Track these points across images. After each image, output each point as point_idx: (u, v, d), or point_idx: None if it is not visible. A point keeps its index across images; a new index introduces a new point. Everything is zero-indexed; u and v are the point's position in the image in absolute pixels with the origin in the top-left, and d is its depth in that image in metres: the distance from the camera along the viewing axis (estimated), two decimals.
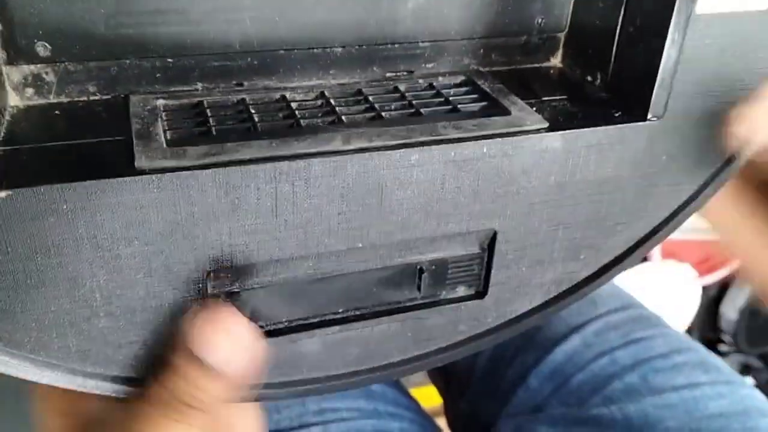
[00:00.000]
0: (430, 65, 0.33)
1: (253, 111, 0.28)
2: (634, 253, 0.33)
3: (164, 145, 0.25)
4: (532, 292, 0.33)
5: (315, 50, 0.30)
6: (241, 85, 0.30)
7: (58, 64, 0.27)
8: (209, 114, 0.28)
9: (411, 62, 0.32)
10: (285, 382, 0.30)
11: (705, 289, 1.17)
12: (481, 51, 0.33)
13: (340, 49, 0.31)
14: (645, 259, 1.08)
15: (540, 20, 0.33)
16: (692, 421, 0.45)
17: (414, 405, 0.55)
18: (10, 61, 0.27)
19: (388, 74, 0.32)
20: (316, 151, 0.26)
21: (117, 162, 0.24)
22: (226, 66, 0.30)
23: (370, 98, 0.30)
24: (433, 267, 0.31)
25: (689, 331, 1.18)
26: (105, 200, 0.23)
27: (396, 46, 0.31)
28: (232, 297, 0.28)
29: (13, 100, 0.28)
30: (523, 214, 0.30)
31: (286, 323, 0.30)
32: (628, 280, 1.05)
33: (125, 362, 0.27)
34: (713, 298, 1.20)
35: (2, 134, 0.26)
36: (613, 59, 0.31)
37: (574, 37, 0.34)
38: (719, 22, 0.29)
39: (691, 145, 0.31)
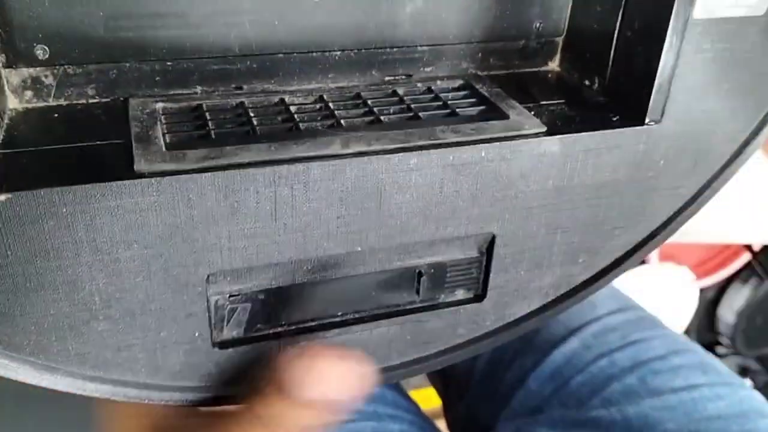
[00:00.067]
0: (428, 69, 0.33)
1: (252, 114, 0.28)
2: (632, 256, 0.33)
3: (163, 148, 0.25)
4: (530, 295, 0.33)
5: (314, 54, 0.30)
6: (241, 88, 0.30)
7: (57, 67, 0.27)
8: (208, 117, 0.28)
9: (409, 66, 0.32)
10: None
11: (702, 291, 1.17)
12: (480, 55, 0.33)
13: (339, 53, 0.31)
14: (643, 262, 1.08)
15: (538, 24, 0.33)
16: (691, 422, 0.45)
17: (413, 407, 0.55)
18: (9, 64, 0.27)
19: (386, 78, 0.32)
20: (315, 154, 0.26)
21: (116, 165, 0.24)
22: (225, 69, 0.30)
23: (369, 102, 0.30)
24: (432, 270, 0.31)
25: (687, 333, 1.18)
26: (104, 203, 0.23)
27: (395, 50, 0.32)
28: (231, 300, 0.28)
29: (12, 103, 0.28)
30: (521, 218, 0.30)
31: (285, 326, 0.30)
32: (626, 283, 1.05)
33: (124, 365, 0.27)
34: (711, 300, 1.20)
35: (1, 137, 0.26)
36: (610, 63, 0.31)
37: (572, 41, 0.34)
38: (716, 27, 0.29)
39: (689, 149, 0.31)
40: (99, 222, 0.24)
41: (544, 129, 0.29)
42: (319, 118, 0.29)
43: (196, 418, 0.29)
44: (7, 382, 0.26)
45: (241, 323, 0.29)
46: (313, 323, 0.30)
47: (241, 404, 0.27)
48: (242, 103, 0.29)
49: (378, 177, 0.26)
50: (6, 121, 0.27)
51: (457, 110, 0.30)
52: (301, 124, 0.28)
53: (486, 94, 0.31)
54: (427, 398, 0.71)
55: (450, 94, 0.31)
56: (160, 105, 0.29)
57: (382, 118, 0.29)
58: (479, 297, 0.32)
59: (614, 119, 0.30)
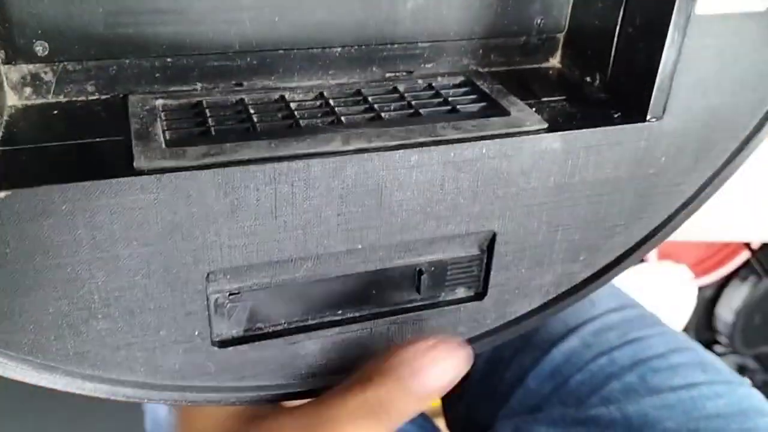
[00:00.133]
0: (429, 66, 0.33)
1: (252, 111, 0.28)
2: (633, 254, 0.33)
3: (163, 145, 0.25)
4: (531, 293, 0.33)
5: (314, 50, 0.30)
6: (241, 85, 0.30)
7: (56, 63, 0.27)
8: (208, 114, 0.28)
9: (410, 63, 0.32)
10: (283, 384, 0.30)
11: (701, 290, 1.17)
12: (480, 51, 0.33)
13: (339, 50, 0.31)
14: (641, 260, 1.08)
15: (539, 21, 0.33)
16: (690, 421, 0.45)
17: None
18: (9, 61, 0.27)
19: (387, 75, 0.32)
20: (315, 151, 0.26)
21: (116, 162, 0.24)
22: (225, 66, 0.29)
23: (370, 99, 0.30)
24: (433, 268, 0.31)
25: (685, 331, 1.18)
26: (104, 201, 0.23)
27: (395, 46, 0.31)
28: (230, 298, 0.28)
29: (12, 100, 0.27)
30: (522, 216, 0.30)
31: (285, 325, 0.29)
32: (624, 281, 1.05)
33: (124, 364, 0.27)
34: (709, 299, 1.20)
35: (0, 134, 0.25)
36: (612, 60, 0.31)
37: (573, 37, 0.34)
38: (719, 23, 0.29)
39: (691, 146, 0.31)
40: (98, 219, 0.23)
41: (545, 126, 0.29)
42: (319, 115, 0.29)
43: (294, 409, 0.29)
44: (6, 381, 0.26)
45: (240, 321, 0.29)
46: (313, 321, 0.30)
47: (343, 391, 0.28)
48: (242, 99, 0.29)
49: (378, 174, 0.26)
50: (5, 118, 0.27)
51: (458, 107, 0.30)
52: (301, 121, 0.28)
53: (487, 90, 0.31)
54: None
55: (451, 91, 0.31)
56: (159, 102, 0.28)
57: (382, 114, 0.29)
58: (480, 295, 0.32)
59: (616, 116, 0.30)
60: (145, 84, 0.29)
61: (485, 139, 0.27)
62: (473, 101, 0.31)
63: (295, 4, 0.29)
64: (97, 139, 0.26)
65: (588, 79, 0.33)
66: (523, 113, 0.29)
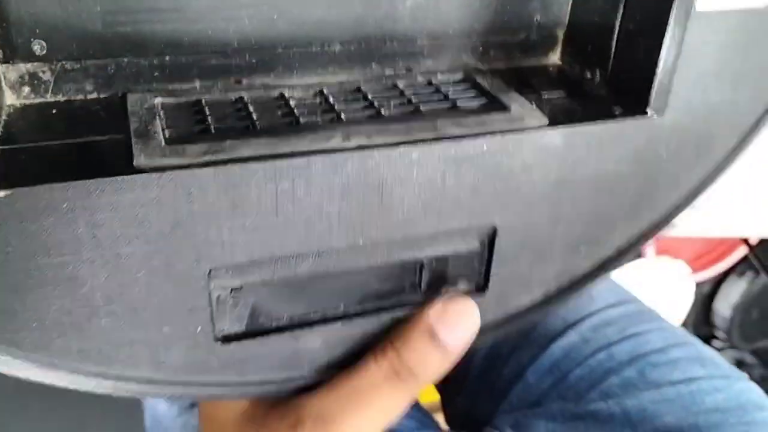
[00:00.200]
0: (429, 62, 0.33)
1: (251, 109, 0.28)
2: (634, 247, 0.33)
3: (163, 143, 0.25)
4: (532, 287, 0.33)
5: (313, 48, 0.30)
6: (240, 82, 0.30)
7: (54, 62, 0.27)
8: (208, 112, 0.28)
9: (410, 59, 0.32)
10: (286, 379, 0.30)
11: (699, 285, 1.18)
12: (480, 48, 0.33)
13: (338, 47, 0.31)
14: (639, 256, 1.08)
15: (539, 17, 0.33)
16: (689, 415, 0.45)
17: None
18: (6, 60, 0.27)
19: (387, 72, 0.32)
20: (315, 148, 0.26)
21: (116, 161, 0.24)
22: (224, 64, 0.29)
23: (369, 96, 0.30)
24: (434, 263, 0.31)
25: (683, 326, 1.19)
26: (104, 199, 0.23)
27: (395, 43, 0.31)
28: (232, 294, 0.28)
29: (10, 99, 0.27)
30: (523, 210, 0.30)
31: (287, 320, 0.30)
32: (623, 276, 1.05)
33: (126, 361, 0.27)
34: (707, 294, 1.21)
35: None
36: (612, 56, 0.31)
37: (573, 34, 0.34)
38: (720, 19, 0.29)
39: (691, 141, 0.31)
40: (99, 217, 0.23)
41: (545, 121, 0.29)
42: (319, 112, 0.29)
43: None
44: (7, 380, 0.26)
45: (243, 317, 0.29)
46: (314, 317, 0.30)
47: (369, 361, 0.30)
48: (242, 97, 0.29)
49: (379, 171, 0.26)
50: (4, 117, 0.26)
51: (458, 103, 0.30)
52: (301, 119, 0.28)
53: (487, 86, 0.31)
54: (426, 392, 0.71)
55: (451, 87, 0.31)
56: (158, 100, 0.28)
57: (382, 111, 0.29)
58: (481, 289, 0.32)
59: (616, 111, 0.30)
60: (143, 82, 0.29)
61: (486, 135, 0.27)
62: (473, 97, 0.31)
63: (294, 1, 0.29)
64: (97, 138, 0.26)
65: (588, 75, 0.33)
66: (523, 109, 0.29)
